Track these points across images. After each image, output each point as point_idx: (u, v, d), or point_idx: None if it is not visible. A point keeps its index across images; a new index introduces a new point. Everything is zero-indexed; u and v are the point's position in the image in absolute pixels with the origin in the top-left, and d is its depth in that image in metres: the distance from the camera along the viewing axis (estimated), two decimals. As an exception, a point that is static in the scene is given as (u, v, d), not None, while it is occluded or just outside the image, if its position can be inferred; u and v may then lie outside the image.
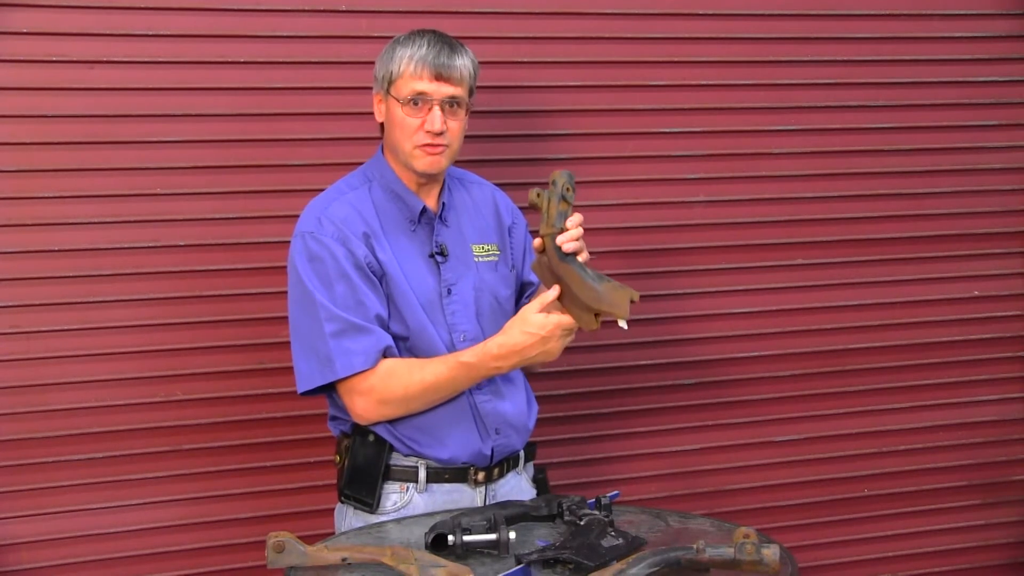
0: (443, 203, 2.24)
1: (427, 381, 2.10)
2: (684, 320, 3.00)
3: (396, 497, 2.17)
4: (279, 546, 1.76)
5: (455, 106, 2.15)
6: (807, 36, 3.03)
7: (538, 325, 2.04)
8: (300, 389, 2.14)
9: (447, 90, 2.13)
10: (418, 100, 2.12)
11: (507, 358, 2.07)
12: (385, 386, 2.10)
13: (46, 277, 2.55)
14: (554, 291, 2.05)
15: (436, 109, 2.12)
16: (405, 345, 2.16)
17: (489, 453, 2.19)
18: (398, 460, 2.18)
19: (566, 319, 2.04)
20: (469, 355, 2.09)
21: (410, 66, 2.12)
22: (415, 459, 2.17)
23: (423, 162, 2.16)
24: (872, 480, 3.19)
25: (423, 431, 2.16)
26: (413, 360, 2.13)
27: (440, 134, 2.13)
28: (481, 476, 2.20)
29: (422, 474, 2.17)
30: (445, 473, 2.18)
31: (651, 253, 2.96)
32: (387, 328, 2.14)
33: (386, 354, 2.11)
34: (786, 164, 3.04)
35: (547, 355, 2.07)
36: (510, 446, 2.23)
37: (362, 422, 2.16)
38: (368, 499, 2.16)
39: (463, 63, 2.15)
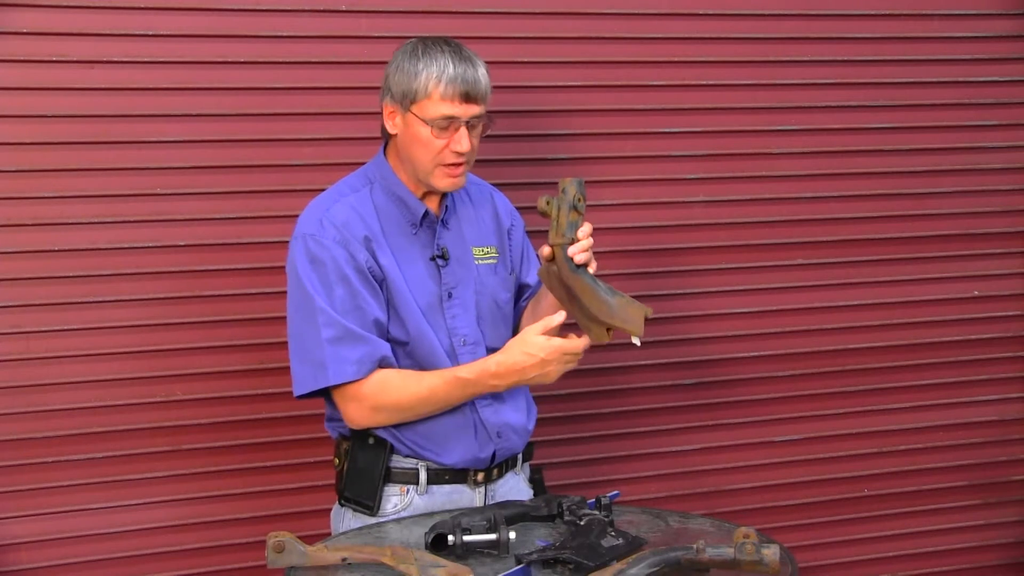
0: (445, 206, 2.23)
1: (422, 394, 2.10)
2: (684, 320, 3.00)
3: (396, 500, 2.17)
4: (279, 546, 1.76)
5: (476, 121, 2.12)
6: (807, 36, 3.03)
7: (539, 347, 2.05)
8: (296, 393, 2.14)
9: (474, 111, 2.10)
10: (447, 124, 2.09)
11: (505, 377, 2.07)
12: (379, 394, 2.10)
13: (46, 277, 2.55)
14: (560, 316, 2.07)
15: (463, 130, 2.09)
16: (405, 350, 2.15)
17: (490, 456, 2.19)
18: (398, 462, 2.17)
19: (570, 344, 2.05)
20: (467, 371, 2.09)
21: (439, 88, 2.06)
22: (415, 460, 2.17)
23: (446, 183, 2.14)
24: (872, 480, 3.19)
25: (426, 436, 2.16)
26: (410, 372, 2.12)
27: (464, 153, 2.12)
28: (481, 477, 2.20)
29: (423, 476, 2.17)
30: (446, 474, 2.18)
31: (651, 253, 2.96)
32: (386, 334, 2.13)
33: (382, 363, 2.10)
34: (786, 164, 3.04)
35: (545, 377, 2.08)
36: (511, 449, 2.23)
37: (355, 427, 2.16)
38: (369, 502, 2.16)
39: (483, 76, 2.11)
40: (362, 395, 2.10)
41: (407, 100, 2.09)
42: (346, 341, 2.07)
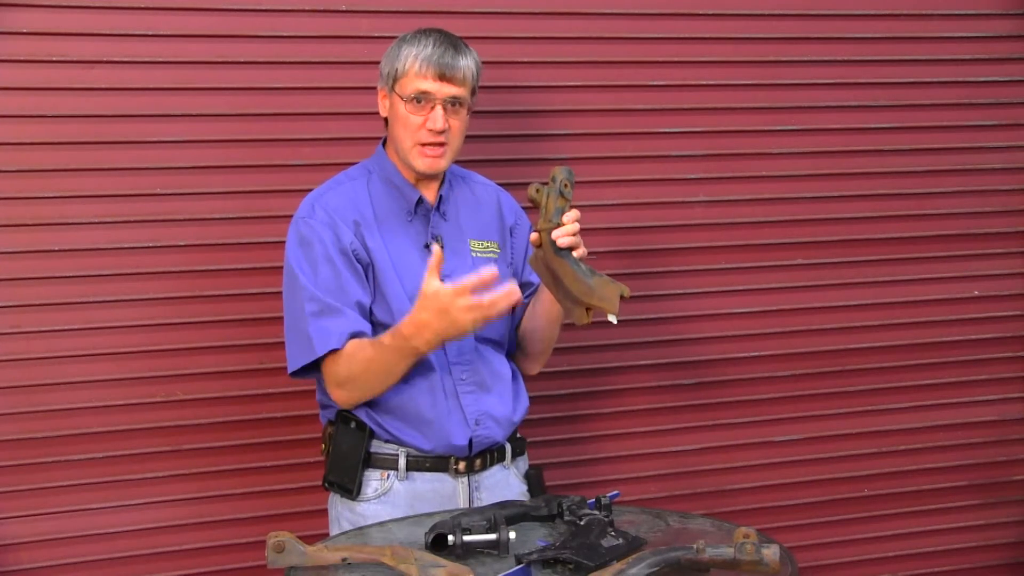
0: (441, 196, 2.27)
1: (362, 362, 2.11)
2: (684, 320, 3.00)
3: (377, 484, 2.19)
4: (279, 546, 1.76)
5: (457, 105, 2.18)
6: (807, 36, 3.03)
7: (431, 298, 1.99)
8: (289, 369, 2.18)
9: (449, 90, 2.16)
10: (421, 98, 2.16)
11: (417, 335, 2.03)
12: (339, 367, 2.12)
13: (46, 277, 2.55)
14: (478, 275, 1.98)
15: (438, 108, 2.16)
16: None
17: (467, 444, 2.20)
18: (379, 447, 2.20)
19: (456, 286, 1.98)
20: (388, 336, 2.09)
21: (415, 65, 2.15)
22: (395, 446, 2.20)
23: (423, 163, 2.19)
24: (872, 480, 3.19)
25: (401, 418, 2.18)
26: (359, 342, 2.12)
27: (441, 132, 2.16)
28: (462, 466, 2.21)
29: (402, 462, 2.19)
30: (426, 462, 2.20)
31: (651, 253, 2.96)
32: (368, 315, 2.16)
33: (357, 338, 2.13)
34: (786, 164, 3.04)
35: (457, 327, 2.00)
36: (490, 438, 2.23)
37: (340, 406, 2.19)
38: (349, 485, 2.19)
39: (466, 64, 2.18)
40: (333, 370, 2.13)
41: (391, 80, 2.20)
42: (327, 314, 2.11)
